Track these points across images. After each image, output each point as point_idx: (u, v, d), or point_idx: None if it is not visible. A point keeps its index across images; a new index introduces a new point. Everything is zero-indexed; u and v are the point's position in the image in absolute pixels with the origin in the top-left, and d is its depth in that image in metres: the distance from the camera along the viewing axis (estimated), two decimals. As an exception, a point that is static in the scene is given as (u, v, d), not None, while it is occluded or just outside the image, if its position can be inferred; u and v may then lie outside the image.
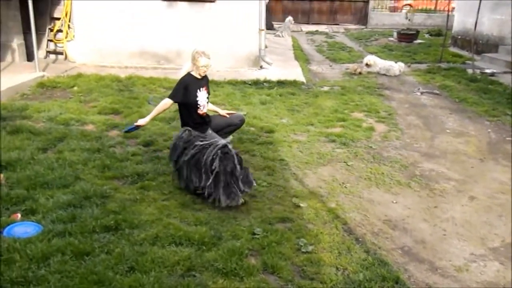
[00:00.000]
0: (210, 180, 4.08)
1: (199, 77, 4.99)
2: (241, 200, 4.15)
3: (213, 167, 4.06)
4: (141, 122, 4.87)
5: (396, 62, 10.45)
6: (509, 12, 11.37)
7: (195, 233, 3.55)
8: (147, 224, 3.70)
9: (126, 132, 5.16)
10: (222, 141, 4.25)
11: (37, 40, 8.41)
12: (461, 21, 13.37)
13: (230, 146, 4.21)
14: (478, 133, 6.52)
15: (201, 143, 4.27)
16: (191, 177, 4.25)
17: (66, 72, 8.79)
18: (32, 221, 3.65)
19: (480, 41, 12.14)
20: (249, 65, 9.92)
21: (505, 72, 10.12)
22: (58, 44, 9.98)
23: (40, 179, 4.32)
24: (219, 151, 4.11)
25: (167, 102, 4.89)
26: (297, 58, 11.84)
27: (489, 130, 6.67)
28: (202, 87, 5.01)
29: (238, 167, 4.13)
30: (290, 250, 3.48)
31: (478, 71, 10.13)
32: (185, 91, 4.87)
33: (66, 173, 4.51)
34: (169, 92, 5.12)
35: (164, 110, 5.02)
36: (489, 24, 11.96)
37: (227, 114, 5.39)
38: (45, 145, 5.24)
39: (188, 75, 4.98)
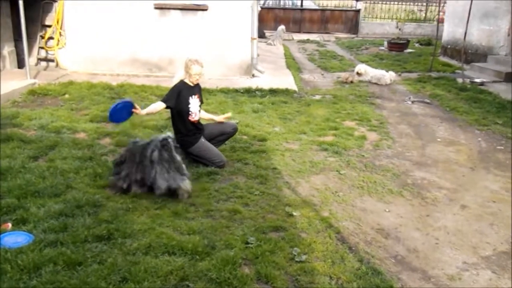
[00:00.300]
0: (153, 171, 4.21)
1: (192, 85, 5.05)
2: (184, 185, 4.27)
3: (152, 158, 4.20)
4: (139, 111, 4.85)
5: (387, 71, 10.50)
6: (496, 23, 11.55)
7: (188, 243, 3.53)
8: (139, 233, 3.68)
9: (114, 116, 4.81)
10: (162, 135, 4.35)
11: (28, 47, 8.39)
12: (450, 31, 13.54)
13: (169, 140, 4.29)
14: (468, 142, 6.58)
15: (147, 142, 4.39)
16: (137, 175, 4.33)
17: (57, 80, 8.75)
18: (23, 231, 3.60)
19: (469, 51, 12.29)
20: (241, 73, 9.94)
21: (494, 81, 10.25)
22: (49, 52, 9.92)
23: (31, 188, 4.28)
24: (158, 143, 4.24)
25: (160, 105, 4.96)
26: (289, 66, 11.87)
27: (480, 139, 6.73)
28: (195, 94, 5.06)
29: (177, 157, 4.28)
30: (283, 259, 3.47)
31: (467, 80, 10.25)
32: (178, 96, 4.92)
33: (58, 181, 4.47)
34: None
35: (157, 111, 5.06)
36: (478, 34, 12.14)
37: (224, 118, 5.46)
38: (36, 153, 5.20)
39: (181, 82, 5.03)
